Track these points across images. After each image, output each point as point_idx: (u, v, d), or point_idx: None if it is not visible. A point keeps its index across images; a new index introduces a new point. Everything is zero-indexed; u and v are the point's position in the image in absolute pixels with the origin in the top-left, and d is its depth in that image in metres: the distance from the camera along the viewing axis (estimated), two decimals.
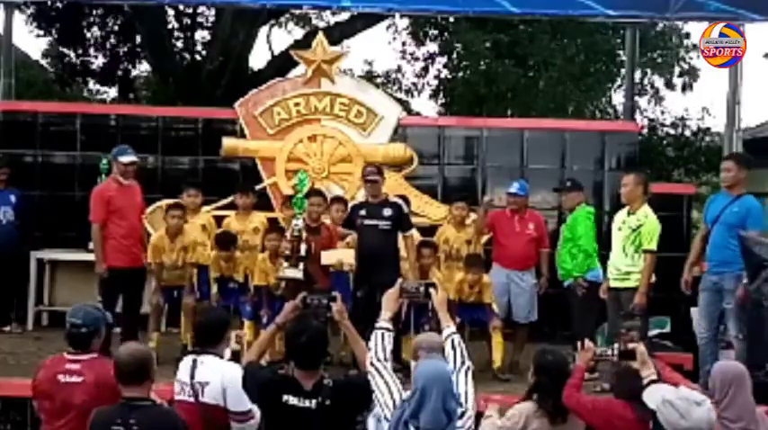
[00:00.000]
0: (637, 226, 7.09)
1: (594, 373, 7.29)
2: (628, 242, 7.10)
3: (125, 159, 7.53)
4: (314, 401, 4.10)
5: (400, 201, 7.60)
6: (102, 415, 4.02)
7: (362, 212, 7.41)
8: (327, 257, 7.32)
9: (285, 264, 7.22)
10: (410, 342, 7.56)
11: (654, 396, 4.29)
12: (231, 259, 7.61)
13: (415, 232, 7.66)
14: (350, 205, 7.84)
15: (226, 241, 7.61)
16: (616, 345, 4.53)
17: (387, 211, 7.36)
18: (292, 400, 4.11)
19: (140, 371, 4.04)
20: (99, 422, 3.98)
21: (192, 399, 4.43)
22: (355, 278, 7.53)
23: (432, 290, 4.45)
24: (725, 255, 6.94)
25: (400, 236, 7.52)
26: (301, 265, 7.11)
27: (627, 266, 7.11)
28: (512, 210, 7.87)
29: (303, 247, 7.15)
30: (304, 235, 7.17)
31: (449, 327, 4.25)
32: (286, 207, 7.86)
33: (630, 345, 4.47)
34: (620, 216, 7.32)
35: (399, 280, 4.67)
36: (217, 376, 4.44)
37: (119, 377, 4.07)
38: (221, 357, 4.62)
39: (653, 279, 7.13)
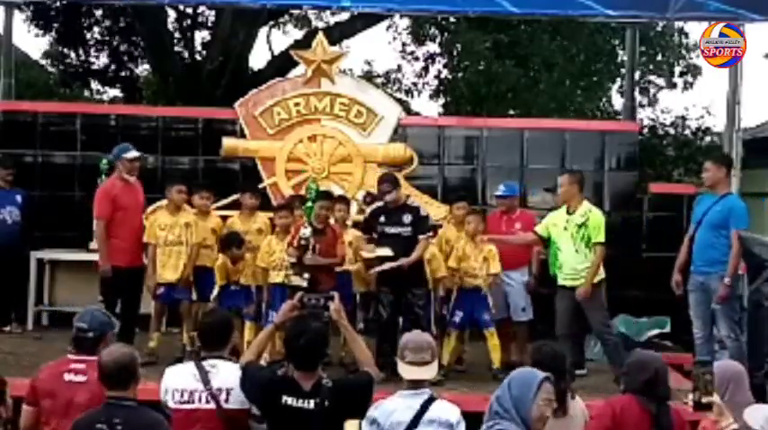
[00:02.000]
0: (582, 222, 7.11)
1: (584, 370, 7.33)
2: (577, 240, 7.11)
3: (130, 155, 7.60)
4: (312, 402, 4.10)
5: (417, 204, 7.45)
6: (85, 416, 4.02)
7: (382, 219, 7.24)
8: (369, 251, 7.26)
9: (290, 272, 7.24)
10: None
11: (756, 415, 4.28)
12: (240, 260, 7.56)
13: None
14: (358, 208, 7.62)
15: (238, 240, 7.58)
16: (691, 396, 4.49)
17: (407, 218, 7.20)
18: (291, 401, 4.11)
19: (125, 376, 4.03)
20: (82, 423, 3.97)
21: (211, 406, 4.35)
22: (378, 283, 7.34)
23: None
24: (710, 255, 6.99)
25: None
26: (306, 274, 7.10)
27: (581, 263, 7.10)
28: (501, 211, 7.97)
29: (309, 255, 7.13)
30: (311, 244, 7.15)
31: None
32: (280, 216, 7.79)
33: (705, 399, 4.44)
34: (561, 216, 7.28)
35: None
36: (239, 382, 4.38)
37: (103, 381, 4.05)
38: (228, 360, 4.56)
39: (602, 275, 7.14)
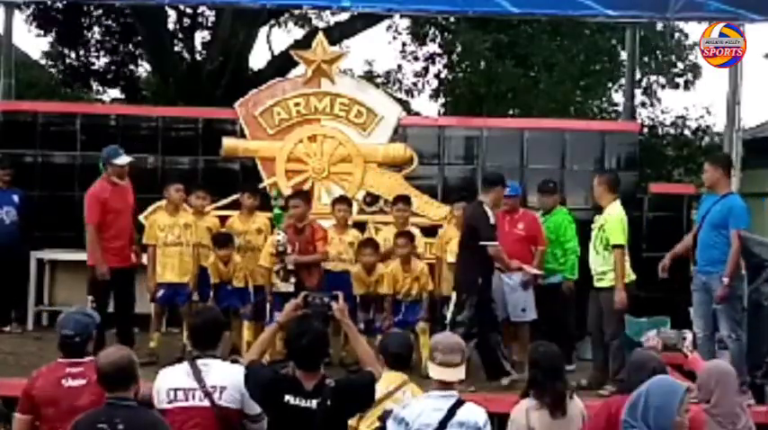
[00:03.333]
0: (602, 224, 7.13)
1: (572, 365, 7.34)
2: (597, 241, 7.14)
3: (121, 161, 7.56)
4: (314, 401, 4.10)
5: None
6: (86, 416, 4.02)
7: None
8: None
9: (276, 280, 7.32)
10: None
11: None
12: (230, 260, 7.61)
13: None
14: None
15: (223, 240, 7.64)
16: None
17: None
18: (293, 400, 4.11)
19: (124, 377, 4.03)
20: (83, 423, 3.98)
21: (205, 403, 4.36)
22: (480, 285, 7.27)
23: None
24: (711, 255, 7.00)
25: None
26: (292, 278, 7.15)
27: (600, 266, 7.13)
28: (504, 210, 7.91)
29: (291, 259, 7.22)
30: (289, 249, 7.24)
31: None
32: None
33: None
34: (597, 217, 7.39)
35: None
36: (233, 381, 4.38)
37: (101, 383, 4.06)
38: (222, 359, 4.58)
39: (632, 277, 7.12)
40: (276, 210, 7.35)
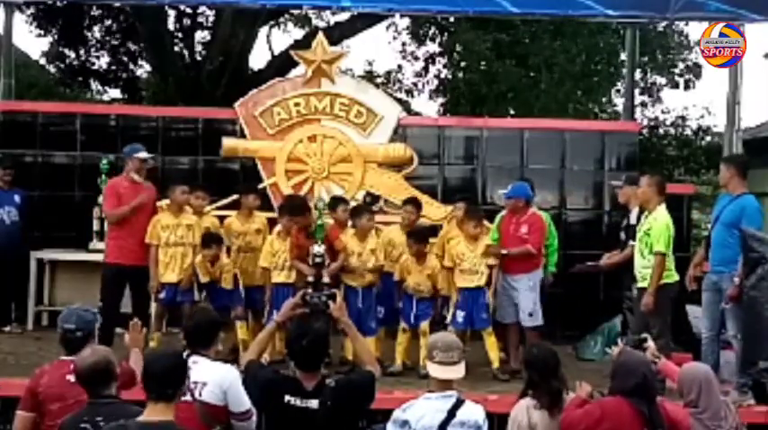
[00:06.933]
0: (648, 228, 7.04)
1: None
2: (642, 244, 7.08)
3: (141, 155, 7.71)
4: (315, 401, 4.10)
5: None
6: (70, 417, 4.07)
7: None
8: None
9: (309, 292, 7.26)
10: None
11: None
12: (217, 260, 7.56)
13: None
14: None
15: (209, 240, 7.58)
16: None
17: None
18: (294, 401, 4.11)
19: (103, 378, 4.09)
20: (67, 424, 4.02)
21: (188, 398, 4.40)
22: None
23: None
24: (724, 255, 6.97)
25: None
26: (326, 290, 7.13)
27: (643, 268, 7.07)
28: (509, 212, 7.88)
29: (332, 269, 7.26)
30: (327, 261, 7.23)
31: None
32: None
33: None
34: (642, 219, 7.31)
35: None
36: (214, 377, 4.42)
37: (82, 385, 4.13)
38: (213, 359, 4.60)
39: (673, 278, 7.06)
40: (318, 222, 7.31)
